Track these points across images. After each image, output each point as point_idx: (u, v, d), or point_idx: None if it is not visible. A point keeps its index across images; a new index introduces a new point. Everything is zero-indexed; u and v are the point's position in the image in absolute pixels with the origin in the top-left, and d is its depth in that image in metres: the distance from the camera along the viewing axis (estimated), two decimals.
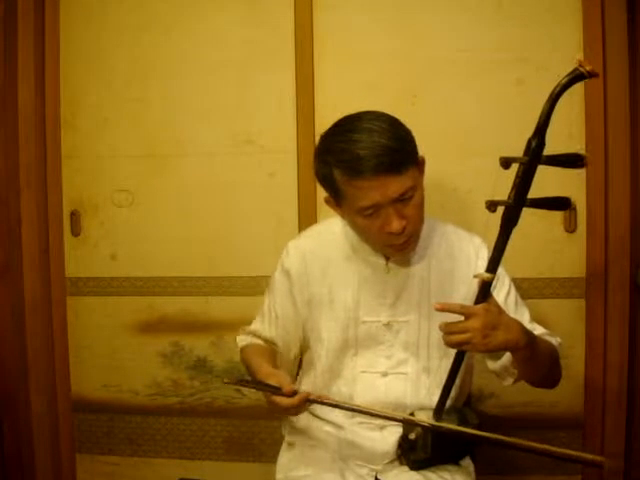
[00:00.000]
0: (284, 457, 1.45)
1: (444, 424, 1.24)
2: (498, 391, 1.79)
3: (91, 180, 1.97)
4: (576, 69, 1.00)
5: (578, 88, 1.70)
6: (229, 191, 1.89)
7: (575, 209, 1.74)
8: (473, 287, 1.18)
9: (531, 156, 1.04)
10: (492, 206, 1.06)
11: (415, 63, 1.78)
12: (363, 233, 1.30)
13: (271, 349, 1.45)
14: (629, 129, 1.70)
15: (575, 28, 1.70)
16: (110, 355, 1.99)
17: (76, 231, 1.99)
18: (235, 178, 1.89)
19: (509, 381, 1.33)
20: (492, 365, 1.34)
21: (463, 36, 1.75)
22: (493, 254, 1.12)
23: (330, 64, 1.82)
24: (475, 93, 1.76)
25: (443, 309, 1.14)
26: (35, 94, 1.94)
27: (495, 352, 1.20)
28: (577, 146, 1.70)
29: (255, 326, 1.49)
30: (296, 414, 1.29)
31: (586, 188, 1.73)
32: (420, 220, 1.27)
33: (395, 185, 1.18)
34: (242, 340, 1.50)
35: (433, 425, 1.24)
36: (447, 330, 1.13)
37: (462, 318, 1.13)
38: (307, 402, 1.23)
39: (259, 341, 1.47)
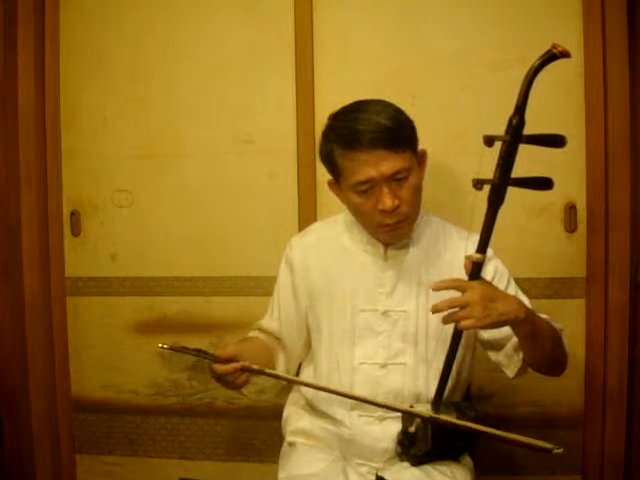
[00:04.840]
0: (285, 457, 1.45)
1: (442, 415, 1.25)
2: (498, 391, 1.79)
3: (91, 180, 1.97)
4: (549, 50, 1.08)
5: (578, 88, 1.71)
6: (229, 191, 1.89)
7: (575, 208, 1.74)
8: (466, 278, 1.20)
9: (512, 134, 1.10)
10: (478, 184, 1.12)
11: (415, 63, 1.78)
12: (358, 213, 1.33)
13: (264, 342, 1.47)
14: (629, 129, 1.70)
15: (575, 28, 1.70)
16: (110, 355, 1.99)
17: (76, 231, 1.99)
18: (235, 178, 1.89)
19: (514, 370, 1.33)
20: (495, 356, 1.35)
21: (463, 36, 1.75)
22: (482, 234, 1.16)
23: (330, 64, 1.82)
24: (475, 93, 1.76)
25: (439, 288, 1.16)
26: (35, 94, 1.94)
27: (496, 327, 1.20)
28: (576, 145, 1.71)
29: (262, 320, 1.52)
30: (235, 384, 1.30)
31: (586, 188, 1.73)
32: (414, 204, 1.31)
33: (389, 162, 1.24)
34: (249, 334, 1.53)
35: (431, 416, 1.25)
36: (447, 305, 1.14)
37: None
38: (244, 371, 1.27)
39: (262, 335, 1.50)
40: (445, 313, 1.16)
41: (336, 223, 1.46)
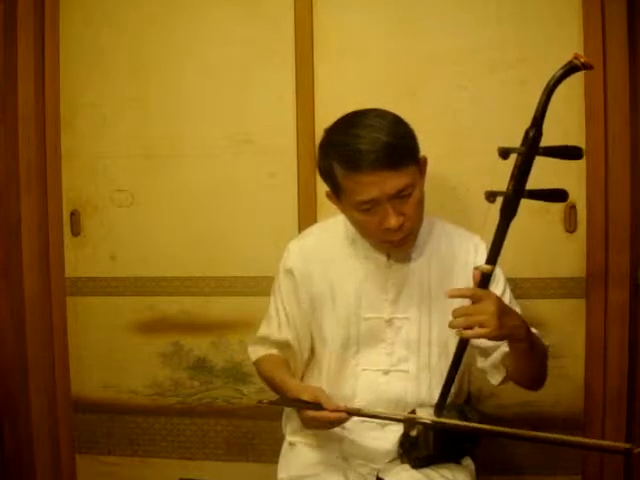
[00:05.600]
0: (286, 457, 1.45)
1: (446, 420, 1.25)
2: (498, 391, 1.79)
3: (91, 180, 1.96)
4: (571, 61, 1.04)
5: (577, 88, 1.71)
6: (229, 191, 1.89)
7: (575, 209, 1.74)
8: (472, 283, 1.19)
9: (529, 146, 1.06)
10: (491, 196, 1.09)
11: (414, 62, 1.78)
12: (361, 228, 1.31)
13: (284, 358, 1.45)
14: (629, 128, 1.70)
15: (575, 28, 1.70)
16: (110, 355, 1.99)
17: (76, 231, 1.98)
18: (235, 178, 1.89)
19: (497, 379, 1.35)
20: (482, 363, 1.36)
21: (463, 35, 1.75)
22: (492, 246, 1.14)
23: (330, 63, 1.82)
24: (474, 93, 1.76)
25: (454, 295, 1.15)
26: (35, 94, 1.94)
27: (502, 340, 1.20)
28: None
29: (264, 331, 1.48)
30: (335, 426, 1.26)
31: (586, 188, 1.73)
32: (418, 218, 1.29)
33: (393, 181, 1.20)
34: (254, 352, 1.50)
35: (435, 422, 1.25)
36: (463, 313, 1.13)
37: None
38: (350, 415, 1.23)
39: (272, 349, 1.46)
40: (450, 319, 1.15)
41: (335, 227, 1.43)
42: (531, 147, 1.07)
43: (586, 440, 1.16)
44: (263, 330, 1.49)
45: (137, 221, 1.95)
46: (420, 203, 1.28)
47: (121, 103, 1.92)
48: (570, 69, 1.05)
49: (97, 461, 2.04)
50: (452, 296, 1.15)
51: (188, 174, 1.91)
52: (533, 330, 1.29)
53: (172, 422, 1.99)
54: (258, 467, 1.94)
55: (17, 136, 1.94)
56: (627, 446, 1.06)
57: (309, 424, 1.26)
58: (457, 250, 1.39)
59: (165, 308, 1.95)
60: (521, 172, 1.08)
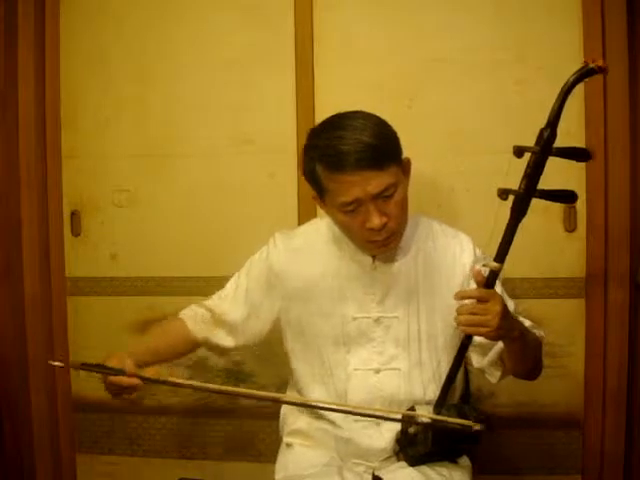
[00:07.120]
0: (283, 458, 1.45)
1: (443, 417, 1.25)
2: (498, 391, 1.79)
3: (91, 180, 1.97)
4: (587, 64, 1.05)
5: (577, 88, 1.70)
6: (229, 191, 1.89)
7: (575, 208, 1.74)
8: (458, 280, 1.23)
9: (543, 146, 1.08)
10: (504, 194, 1.11)
11: (414, 63, 1.78)
12: (345, 230, 1.32)
13: (182, 331, 1.45)
14: (629, 128, 1.70)
15: (575, 28, 1.70)
16: None
17: (76, 231, 1.99)
18: (235, 178, 1.89)
19: (497, 376, 1.35)
20: (480, 362, 1.36)
21: (462, 36, 1.75)
22: (501, 244, 1.15)
23: (330, 64, 1.82)
24: (474, 93, 1.76)
25: (462, 297, 1.16)
26: (35, 94, 1.94)
27: (496, 340, 1.21)
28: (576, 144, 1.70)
29: (212, 302, 1.47)
30: (131, 393, 1.26)
31: (586, 187, 1.73)
32: (402, 218, 1.29)
33: (375, 181, 1.21)
34: (184, 313, 1.49)
35: (432, 419, 1.25)
36: (468, 311, 1.14)
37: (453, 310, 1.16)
38: (146, 381, 1.23)
39: (191, 319, 1.46)
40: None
41: (322, 230, 1.42)
42: (545, 147, 1.08)
43: (434, 416, 1.24)
44: (213, 301, 1.48)
45: (137, 221, 1.95)
46: (403, 203, 1.28)
47: (121, 103, 1.93)
48: (585, 73, 1.05)
49: (97, 461, 2.04)
50: (459, 298, 1.16)
51: (188, 174, 1.91)
52: (527, 322, 1.31)
53: (172, 422, 1.99)
54: (258, 467, 1.94)
55: (17, 136, 1.94)
56: (470, 423, 1.17)
57: (109, 389, 1.27)
58: (444, 247, 1.39)
59: (165, 308, 1.95)
60: (534, 171, 1.10)
